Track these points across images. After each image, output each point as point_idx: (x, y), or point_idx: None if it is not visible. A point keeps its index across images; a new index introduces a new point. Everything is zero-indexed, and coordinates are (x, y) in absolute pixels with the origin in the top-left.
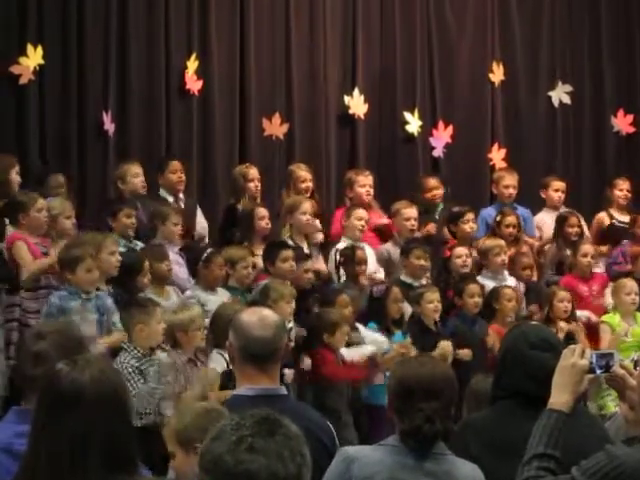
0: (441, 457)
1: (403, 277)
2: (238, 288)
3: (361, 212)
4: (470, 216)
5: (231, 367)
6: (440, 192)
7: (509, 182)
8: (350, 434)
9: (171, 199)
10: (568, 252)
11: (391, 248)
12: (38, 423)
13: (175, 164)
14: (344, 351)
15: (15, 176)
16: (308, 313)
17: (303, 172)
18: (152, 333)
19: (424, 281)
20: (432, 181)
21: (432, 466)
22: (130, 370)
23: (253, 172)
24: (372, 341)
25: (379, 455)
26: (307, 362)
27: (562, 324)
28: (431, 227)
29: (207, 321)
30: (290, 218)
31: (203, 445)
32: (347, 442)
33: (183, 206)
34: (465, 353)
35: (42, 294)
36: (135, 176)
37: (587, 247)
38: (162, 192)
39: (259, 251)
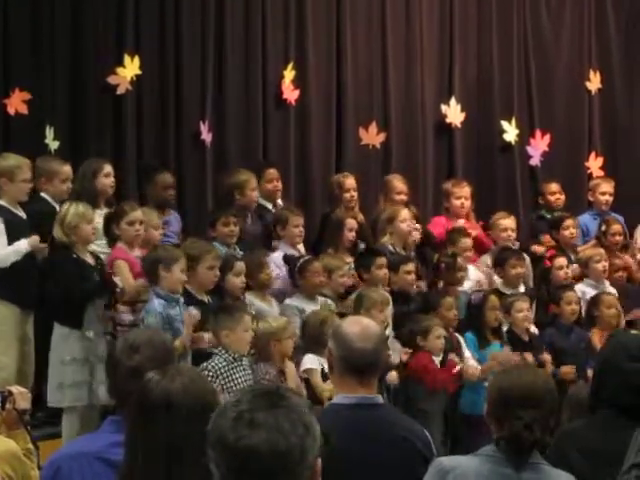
0: (537, 467)
1: (500, 287)
2: (332, 296)
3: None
4: (570, 222)
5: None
6: (562, 197)
7: (605, 189)
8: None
9: (270, 206)
10: None
11: (489, 259)
12: (132, 433)
13: (271, 172)
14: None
15: (104, 179)
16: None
17: (399, 184)
18: (238, 340)
19: (522, 289)
20: (554, 186)
21: (529, 475)
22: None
23: (350, 182)
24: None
25: (475, 465)
26: (393, 376)
27: None
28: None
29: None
30: (390, 227)
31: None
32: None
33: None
34: (567, 371)
35: (139, 307)
36: (253, 190)
37: None
38: (260, 200)
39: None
